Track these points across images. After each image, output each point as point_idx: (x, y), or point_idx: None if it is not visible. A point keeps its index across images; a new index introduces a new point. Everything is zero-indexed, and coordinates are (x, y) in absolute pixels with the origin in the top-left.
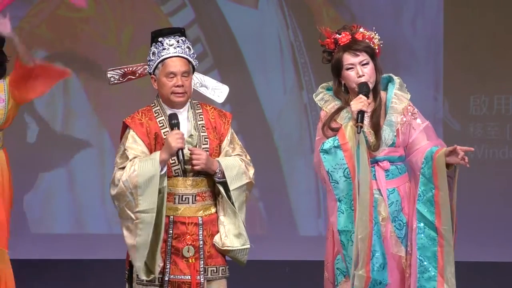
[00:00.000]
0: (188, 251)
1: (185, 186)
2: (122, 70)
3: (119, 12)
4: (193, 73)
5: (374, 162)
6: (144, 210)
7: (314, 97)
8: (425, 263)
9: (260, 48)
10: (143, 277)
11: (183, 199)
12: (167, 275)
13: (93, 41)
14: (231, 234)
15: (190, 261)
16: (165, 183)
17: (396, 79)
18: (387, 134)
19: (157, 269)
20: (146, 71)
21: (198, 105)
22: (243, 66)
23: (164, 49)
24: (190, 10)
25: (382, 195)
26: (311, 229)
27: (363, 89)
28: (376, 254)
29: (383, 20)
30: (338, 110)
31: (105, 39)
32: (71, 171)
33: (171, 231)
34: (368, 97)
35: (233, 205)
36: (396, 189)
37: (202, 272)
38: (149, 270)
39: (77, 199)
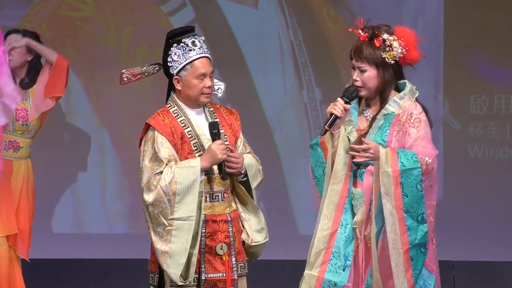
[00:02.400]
0: (221, 249)
1: (216, 183)
2: (135, 70)
3: (119, 12)
4: None
5: (367, 164)
6: (180, 218)
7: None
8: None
9: (260, 48)
10: (179, 283)
11: (214, 197)
12: (204, 274)
13: (93, 41)
14: (253, 230)
15: (224, 258)
16: (202, 188)
17: (407, 86)
18: (368, 139)
19: (192, 273)
20: (155, 71)
21: (208, 103)
22: (243, 66)
23: (191, 50)
24: (190, 10)
25: (364, 197)
26: (311, 229)
27: (347, 92)
28: (337, 255)
29: (383, 20)
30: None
31: (105, 39)
32: (71, 171)
33: (204, 230)
34: (349, 103)
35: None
36: None
37: (235, 269)
38: (182, 275)
39: (77, 199)
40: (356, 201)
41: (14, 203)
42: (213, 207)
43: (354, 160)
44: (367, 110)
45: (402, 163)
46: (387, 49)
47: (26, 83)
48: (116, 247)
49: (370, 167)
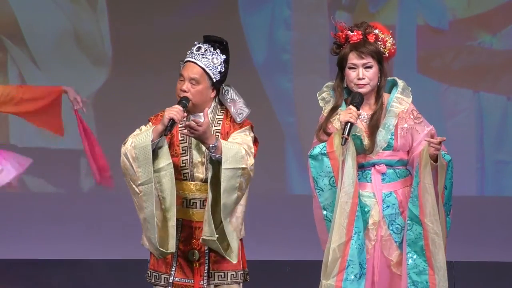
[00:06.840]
0: (193, 255)
1: (193, 191)
2: None
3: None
4: (214, 85)
5: (371, 165)
6: (144, 182)
7: (317, 95)
8: (415, 257)
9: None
10: (158, 256)
11: (191, 203)
12: (172, 277)
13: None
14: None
15: (195, 265)
16: (170, 161)
17: (400, 83)
18: (381, 136)
19: (172, 245)
20: None
21: (222, 111)
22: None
23: (191, 52)
24: None
25: (376, 198)
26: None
27: (355, 99)
28: (352, 264)
29: None
30: (333, 111)
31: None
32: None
33: (179, 234)
34: (359, 108)
35: (220, 188)
36: (393, 193)
37: (206, 277)
38: (161, 250)
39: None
40: (369, 202)
41: None
42: (191, 213)
43: (431, 153)
44: (360, 111)
45: (443, 156)
46: (379, 43)
47: None
48: (117, 247)
49: (377, 167)
